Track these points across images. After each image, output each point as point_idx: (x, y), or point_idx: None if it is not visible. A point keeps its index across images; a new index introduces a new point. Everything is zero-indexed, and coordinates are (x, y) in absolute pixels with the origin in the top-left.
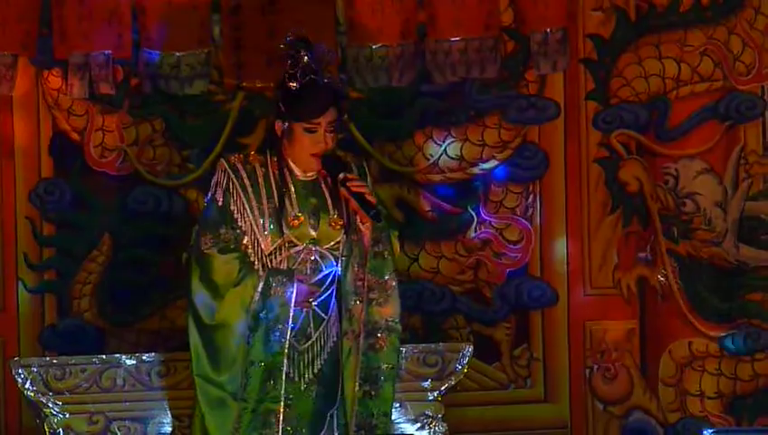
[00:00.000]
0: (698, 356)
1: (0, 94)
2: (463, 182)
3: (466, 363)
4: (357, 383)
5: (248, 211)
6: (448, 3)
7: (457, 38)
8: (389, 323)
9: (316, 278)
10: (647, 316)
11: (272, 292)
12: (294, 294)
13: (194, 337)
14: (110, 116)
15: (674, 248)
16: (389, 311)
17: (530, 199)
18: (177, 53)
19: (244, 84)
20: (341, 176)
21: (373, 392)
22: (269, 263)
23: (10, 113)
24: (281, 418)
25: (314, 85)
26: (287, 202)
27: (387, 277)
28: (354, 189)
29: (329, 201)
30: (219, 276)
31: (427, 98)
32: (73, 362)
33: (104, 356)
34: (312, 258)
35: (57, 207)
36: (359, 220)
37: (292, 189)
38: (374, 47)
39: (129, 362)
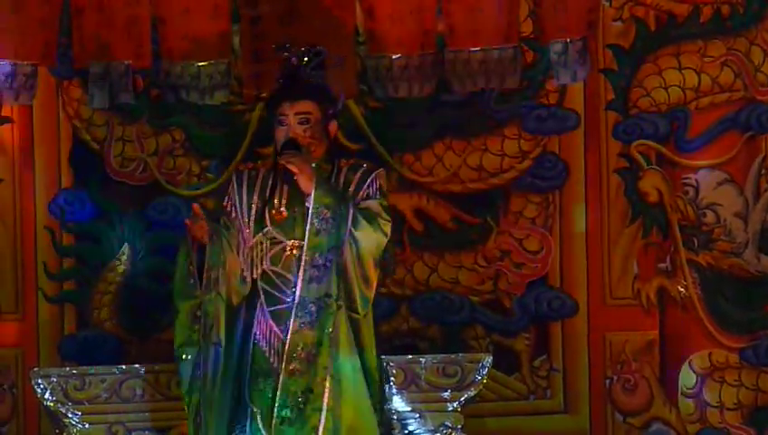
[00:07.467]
0: (718, 367)
1: (20, 104)
2: (483, 192)
3: (486, 374)
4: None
5: (238, 206)
6: (468, 13)
7: (477, 48)
8: (324, 299)
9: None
10: (667, 327)
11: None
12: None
13: None
14: (130, 126)
15: (694, 259)
16: (325, 288)
17: (549, 210)
18: (197, 64)
19: (264, 95)
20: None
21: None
22: (252, 258)
23: (30, 123)
24: None
25: (285, 80)
26: (276, 199)
27: (326, 254)
28: (280, 162)
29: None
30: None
31: (446, 108)
32: (93, 372)
33: (123, 366)
34: (297, 255)
35: (77, 217)
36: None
37: (286, 189)
38: (394, 57)
39: (148, 372)
